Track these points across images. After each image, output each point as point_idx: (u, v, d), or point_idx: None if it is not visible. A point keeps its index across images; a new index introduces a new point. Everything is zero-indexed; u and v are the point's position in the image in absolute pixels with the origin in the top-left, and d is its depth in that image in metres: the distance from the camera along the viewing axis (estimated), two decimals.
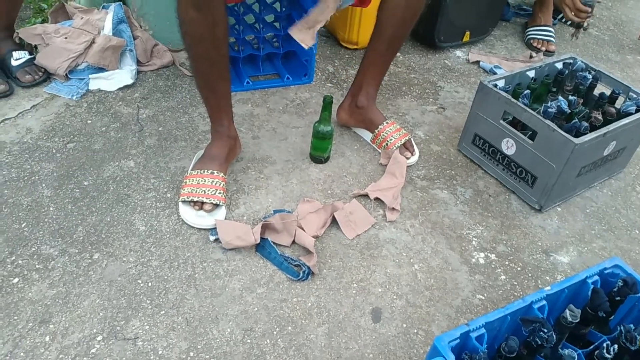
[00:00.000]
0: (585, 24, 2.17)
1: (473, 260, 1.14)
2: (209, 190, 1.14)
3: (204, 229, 1.12)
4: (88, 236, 1.08)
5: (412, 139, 1.40)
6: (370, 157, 1.38)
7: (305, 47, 1.22)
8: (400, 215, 1.22)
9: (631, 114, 1.27)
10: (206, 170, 1.16)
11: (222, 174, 1.17)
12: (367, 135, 1.42)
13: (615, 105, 1.36)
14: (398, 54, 1.83)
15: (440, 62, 1.83)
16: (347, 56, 1.79)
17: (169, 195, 1.20)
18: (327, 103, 1.22)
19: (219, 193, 1.14)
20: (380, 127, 1.38)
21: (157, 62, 1.60)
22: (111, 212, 1.14)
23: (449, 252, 1.15)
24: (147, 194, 1.20)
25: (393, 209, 1.22)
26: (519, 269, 1.13)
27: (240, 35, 1.52)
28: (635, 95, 1.34)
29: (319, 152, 1.31)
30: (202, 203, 1.13)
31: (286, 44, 1.62)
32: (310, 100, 1.55)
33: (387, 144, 1.36)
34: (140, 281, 1.01)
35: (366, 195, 1.25)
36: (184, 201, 1.14)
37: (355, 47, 1.80)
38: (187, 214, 1.13)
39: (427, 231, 1.19)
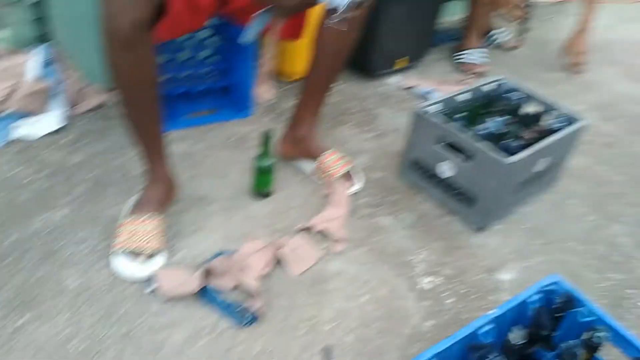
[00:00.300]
0: (512, 46, 2.28)
1: (420, 286, 1.14)
2: (144, 238, 1.09)
3: (141, 280, 1.06)
4: (12, 299, 1.00)
5: (353, 168, 1.41)
6: (314, 188, 1.37)
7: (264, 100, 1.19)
8: (346, 246, 1.21)
9: (557, 130, 1.33)
10: (141, 216, 1.12)
11: (158, 219, 1.13)
12: (309, 166, 1.41)
13: (544, 122, 1.43)
14: (335, 83, 1.85)
15: (377, 89, 1.87)
16: (286, 87, 1.79)
17: (101, 246, 1.14)
18: (267, 137, 1.21)
19: (156, 240, 1.10)
20: (321, 157, 1.38)
21: (88, 104, 1.54)
22: (38, 270, 1.07)
23: (396, 280, 1.15)
24: (78, 246, 1.13)
25: (338, 240, 1.21)
26: (464, 290, 1.14)
27: (174, 72, 1.50)
28: (560, 113, 1.41)
29: (261, 187, 1.29)
30: (138, 252, 1.08)
31: (222, 78, 1.61)
32: (250, 134, 1.53)
33: (329, 174, 1.36)
34: (71, 345, 0.94)
35: (311, 228, 1.23)
36: (118, 251, 1.09)
37: (294, 78, 1.81)
38: (122, 265, 1.08)
39: (374, 260, 1.19)
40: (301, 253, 1.15)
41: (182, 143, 1.47)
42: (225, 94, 1.64)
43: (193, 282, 1.04)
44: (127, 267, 1.07)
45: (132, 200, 1.20)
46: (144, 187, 1.17)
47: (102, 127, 1.49)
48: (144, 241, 1.08)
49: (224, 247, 1.16)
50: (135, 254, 1.08)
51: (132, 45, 0.92)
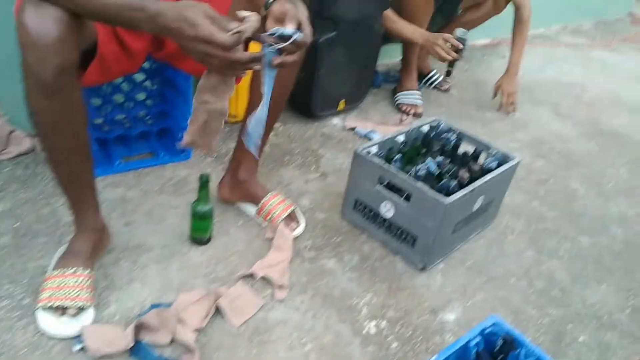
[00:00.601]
0: (448, 87, 2.37)
1: (364, 330, 1.12)
2: (72, 292, 1.02)
3: (68, 338, 0.99)
4: None
5: (297, 209, 1.39)
6: (256, 232, 1.34)
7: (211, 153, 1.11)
8: (290, 292, 1.18)
9: (493, 169, 1.37)
10: (69, 269, 1.04)
11: (87, 271, 1.06)
12: (251, 209, 1.39)
13: (479, 161, 1.47)
14: (278, 125, 1.85)
15: (319, 130, 1.88)
16: (226, 129, 1.77)
17: (26, 301, 1.05)
18: (204, 182, 1.17)
19: (85, 293, 1.03)
20: (263, 200, 1.35)
21: (15, 150, 1.45)
22: None
23: (340, 326, 1.12)
24: (0, 303, 1.04)
25: (281, 286, 1.17)
26: (409, 333, 1.13)
27: (108, 115, 1.45)
28: (494, 152, 1.46)
29: (199, 233, 1.24)
30: (65, 307, 1.00)
31: (160, 121, 1.57)
32: (188, 178, 1.49)
33: (272, 217, 1.33)
34: None
35: (253, 275, 1.19)
36: (43, 307, 1.01)
37: (233, 120, 1.79)
38: (47, 322, 1.00)
39: (318, 305, 1.16)
40: (241, 302, 1.11)
41: (117, 188, 1.40)
42: (163, 137, 1.59)
43: (125, 339, 0.97)
44: (53, 325, 0.99)
45: (61, 250, 1.13)
46: (72, 238, 1.10)
47: (29, 173, 1.40)
48: (71, 296, 1.01)
49: (160, 298, 1.10)
50: (62, 309, 1.00)
51: (57, 92, 0.88)
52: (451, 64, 1.96)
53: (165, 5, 0.84)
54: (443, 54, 1.88)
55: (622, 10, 4.63)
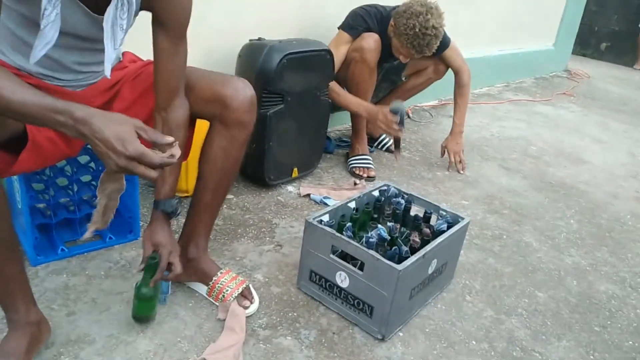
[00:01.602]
0: (402, 144, 2.43)
1: None
2: None
3: None
4: None
5: (250, 286, 1.35)
6: (207, 313, 1.29)
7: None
8: None
9: (444, 231, 1.38)
10: None
11: None
12: (202, 289, 1.34)
13: (431, 222, 1.48)
14: (231, 196, 1.83)
15: (274, 198, 1.87)
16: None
17: None
18: (152, 264, 1.13)
19: None
20: (215, 278, 1.31)
21: None
22: None
23: None
24: None
25: None
26: None
27: (51, 200, 1.40)
28: (444, 213, 1.48)
29: (141, 312, 1.20)
30: None
31: None
32: (137, 259, 1.44)
33: (223, 296, 1.29)
34: None
35: None
36: None
37: (185, 194, 1.77)
38: None
39: None
40: None
41: (59, 276, 1.34)
42: None
43: None
44: None
45: None
46: (4, 337, 1.03)
47: None
48: None
49: None
50: None
51: None
52: (396, 138, 2.03)
53: (94, 112, 0.83)
54: (386, 129, 1.93)
55: (559, 66, 4.96)
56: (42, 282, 1.31)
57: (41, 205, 1.45)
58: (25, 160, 1.03)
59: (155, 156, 0.85)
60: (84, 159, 1.47)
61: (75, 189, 1.45)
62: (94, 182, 1.51)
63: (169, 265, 1.16)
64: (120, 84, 1.23)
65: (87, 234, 1.12)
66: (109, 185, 1.08)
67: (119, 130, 0.82)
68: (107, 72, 1.04)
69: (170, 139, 0.88)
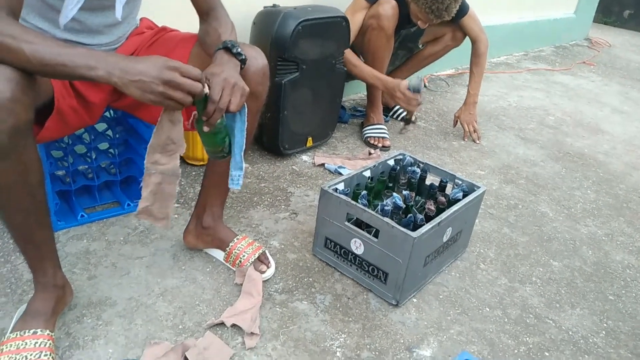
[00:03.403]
0: (414, 118, 2.41)
1: None
2: (32, 355, 0.97)
3: None
4: None
5: (266, 251, 1.37)
6: (225, 277, 1.31)
7: (167, 226, 1.08)
8: (261, 339, 1.15)
9: (459, 199, 1.38)
10: (28, 331, 1.00)
11: (47, 332, 1.01)
12: (219, 254, 1.36)
13: (446, 192, 1.48)
14: (246, 165, 1.84)
15: (289, 168, 1.88)
16: (193, 173, 1.75)
17: None
18: (202, 100, 0.94)
19: (45, 356, 0.98)
20: (231, 244, 1.33)
21: None
22: None
23: None
24: None
25: (252, 333, 1.14)
26: None
27: (70, 167, 1.42)
28: (460, 182, 1.47)
29: (207, 145, 1.05)
30: None
31: (124, 169, 1.54)
32: (154, 226, 1.45)
33: (240, 261, 1.31)
34: None
35: (223, 324, 1.16)
36: None
37: (201, 163, 1.78)
38: None
39: (290, 351, 1.13)
40: (211, 353, 1.07)
41: (80, 241, 1.37)
42: (127, 185, 1.57)
43: None
44: None
45: (21, 310, 1.08)
46: (32, 297, 1.06)
47: None
48: (30, 359, 0.96)
49: (125, 355, 1.06)
50: None
51: (10, 153, 0.85)
52: (408, 120, 2.02)
53: (122, 55, 0.88)
54: (404, 105, 1.92)
55: (580, 35, 4.83)
56: (64, 246, 1.34)
57: (60, 173, 1.48)
58: (50, 127, 1.05)
59: (193, 69, 0.88)
60: (101, 126, 1.48)
61: (93, 156, 1.47)
62: (111, 150, 1.53)
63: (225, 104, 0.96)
64: (137, 50, 1.23)
65: (138, 211, 1.04)
66: (158, 156, 0.98)
67: (150, 59, 0.87)
68: (118, 14, 1.07)
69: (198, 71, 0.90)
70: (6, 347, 0.98)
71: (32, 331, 1.00)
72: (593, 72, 3.80)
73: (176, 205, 1.57)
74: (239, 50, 1.04)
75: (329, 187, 1.35)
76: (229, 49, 1.03)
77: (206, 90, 0.92)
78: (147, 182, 1.00)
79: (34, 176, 0.93)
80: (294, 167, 1.90)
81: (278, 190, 1.73)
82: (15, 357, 0.97)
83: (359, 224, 1.33)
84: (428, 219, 1.29)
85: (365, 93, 2.24)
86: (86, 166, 1.48)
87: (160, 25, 1.33)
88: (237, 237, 1.34)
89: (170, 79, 0.86)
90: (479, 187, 1.44)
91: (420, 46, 2.31)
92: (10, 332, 1.02)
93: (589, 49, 4.53)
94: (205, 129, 0.96)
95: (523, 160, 2.20)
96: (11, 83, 0.82)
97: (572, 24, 4.54)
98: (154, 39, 1.25)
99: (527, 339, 1.25)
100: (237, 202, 1.63)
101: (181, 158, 1.82)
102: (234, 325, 1.16)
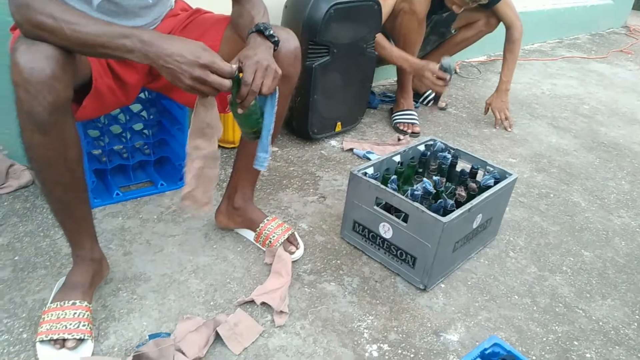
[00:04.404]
0: (445, 105, 2.39)
1: (366, 354, 1.10)
2: (71, 324, 1.01)
3: None
4: None
5: (295, 233, 1.39)
6: (255, 257, 1.34)
7: (209, 210, 1.12)
8: (290, 317, 1.17)
9: (490, 186, 1.37)
10: (67, 301, 1.04)
11: (85, 303, 1.05)
12: (249, 234, 1.38)
13: (477, 178, 1.47)
14: (276, 149, 1.86)
15: (317, 152, 1.89)
16: (224, 155, 1.78)
17: (25, 335, 1.05)
18: (236, 79, 0.96)
19: (84, 325, 1.02)
20: (261, 225, 1.35)
21: (14, 184, 1.47)
22: None
23: (341, 350, 1.10)
24: None
25: (281, 312, 1.16)
26: (412, 356, 1.11)
27: (106, 146, 1.46)
28: (491, 169, 1.46)
29: (242, 127, 1.07)
30: (64, 340, 1.00)
31: (158, 150, 1.58)
32: (198, 211, 1.49)
33: (270, 242, 1.33)
34: None
35: (252, 301, 1.19)
36: (42, 340, 1.00)
37: (232, 146, 1.80)
38: (47, 355, 0.99)
39: (318, 330, 1.15)
40: (241, 329, 1.10)
41: (115, 218, 1.41)
42: (160, 166, 1.60)
43: None
44: (52, 358, 0.99)
45: (60, 282, 1.13)
46: (71, 270, 1.10)
47: (28, 207, 1.41)
48: (70, 328, 1.01)
49: (159, 328, 1.09)
50: (61, 342, 1.00)
51: (50, 129, 0.88)
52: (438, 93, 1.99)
53: (159, 34, 0.89)
54: (431, 85, 1.90)
55: (618, 22, 4.68)
56: (100, 223, 1.38)
57: (97, 152, 1.52)
58: (88, 106, 1.08)
59: (226, 64, 0.89)
60: (136, 107, 1.51)
61: (128, 136, 1.50)
62: (145, 131, 1.57)
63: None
64: (172, 32, 1.25)
65: (182, 197, 1.05)
66: (199, 141, 1.01)
67: (185, 44, 0.88)
68: None
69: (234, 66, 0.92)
70: (47, 316, 1.03)
71: (71, 302, 1.04)
72: (630, 60, 3.69)
73: None
74: (272, 32, 1.04)
75: (359, 171, 1.35)
76: (262, 31, 1.04)
77: (237, 70, 0.93)
78: (189, 167, 1.02)
79: (73, 152, 0.96)
80: (322, 151, 1.90)
81: (307, 174, 1.74)
82: (56, 326, 1.01)
83: (388, 208, 1.33)
84: (458, 204, 1.29)
85: (395, 79, 2.22)
86: (121, 146, 1.51)
87: (194, 6, 1.34)
88: (267, 218, 1.36)
89: (198, 76, 0.88)
90: (510, 175, 1.42)
91: (452, 31, 2.28)
92: (51, 303, 1.06)
93: (626, 37, 4.39)
94: (239, 110, 0.97)
95: (555, 149, 2.16)
96: (51, 61, 0.84)
97: (610, 10, 4.40)
98: (188, 21, 1.27)
99: (556, 327, 1.24)
100: (266, 184, 1.65)
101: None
102: (263, 304, 1.18)
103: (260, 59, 0.96)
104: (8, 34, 1.19)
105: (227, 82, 0.91)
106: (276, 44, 1.05)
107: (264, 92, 0.96)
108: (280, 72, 0.99)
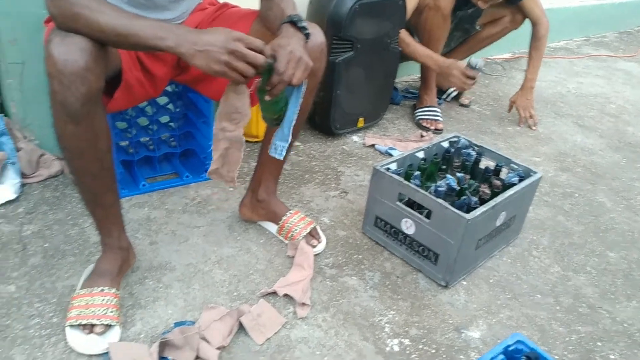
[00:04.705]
0: (468, 102, 2.37)
1: (387, 348, 1.11)
2: (99, 310, 1.04)
3: (96, 355, 1.01)
4: None
5: (317, 227, 1.40)
6: (277, 250, 1.35)
7: (233, 185, 1.16)
8: (312, 310, 1.18)
9: (515, 184, 1.36)
10: (96, 288, 1.07)
11: (113, 290, 1.08)
12: (272, 227, 1.40)
13: (501, 176, 1.46)
14: (298, 143, 1.87)
15: (339, 147, 1.89)
16: (248, 149, 1.79)
17: (55, 320, 1.08)
18: (268, 67, 0.95)
19: (111, 312, 1.05)
20: (284, 218, 1.36)
21: (44, 173, 1.51)
22: None
23: (363, 344, 1.11)
24: (30, 321, 1.07)
25: (303, 304, 1.18)
26: (433, 351, 1.12)
27: (133, 138, 1.49)
28: (516, 166, 1.45)
29: (265, 112, 1.07)
30: (92, 325, 1.03)
31: (183, 142, 1.60)
32: (211, 197, 1.52)
33: (292, 235, 1.34)
34: None
35: (275, 293, 1.20)
36: (71, 325, 1.03)
37: (255, 140, 1.82)
38: (76, 339, 1.02)
39: (340, 323, 1.16)
40: (264, 320, 1.11)
41: (141, 209, 1.44)
42: (186, 158, 1.63)
43: (150, 357, 0.98)
44: (81, 342, 1.02)
45: (89, 270, 1.16)
46: (99, 258, 1.13)
47: (58, 195, 1.45)
48: (98, 314, 1.03)
49: (183, 317, 1.12)
50: (89, 327, 1.03)
51: (83, 119, 0.91)
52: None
53: (189, 27, 0.92)
54: (459, 84, 1.89)
55: None
56: (126, 213, 1.41)
57: (124, 143, 1.54)
58: (118, 98, 1.10)
59: (257, 40, 0.91)
60: (163, 100, 1.54)
61: (155, 128, 1.53)
62: (171, 123, 1.59)
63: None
64: (200, 26, 1.27)
65: (209, 172, 1.11)
66: (226, 123, 1.03)
67: (217, 30, 0.90)
68: None
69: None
70: (76, 302, 1.06)
71: (99, 289, 1.07)
72: None
73: None
74: (304, 24, 1.05)
75: (382, 166, 1.35)
76: (294, 22, 1.04)
77: (270, 58, 0.94)
78: (216, 146, 1.06)
79: (103, 142, 0.98)
80: (344, 146, 1.91)
81: (329, 169, 1.75)
82: (85, 312, 1.04)
83: (410, 204, 1.33)
84: (482, 202, 1.28)
85: (419, 75, 2.21)
86: (148, 138, 1.54)
87: (221, 1, 1.36)
88: (290, 211, 1.38)
89: (235, 49, 0.89)
90: (535, 173, 1.41)
91: (477, 28, 2.26)
92: (80, 289, 1.09)
93: None
94: (267, 98, 0.98)
95: (581, 148, 2.13)
96: (85, 53, 0.87)
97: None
98: (215, 15, 1.28)
99: (579, 327, 1.23)
100: (289, 178, 1.67)
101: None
102: (285, 295, 1.19)
103: (294, 50, 0.97)
104: (41, 27, 1.23)
105: (261, 57, 0.92)
106: (307, 36, 1.06)
107: (293, 83, 0.97)
108: (311, 64, 1.00)
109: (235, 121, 1.02)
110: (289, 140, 1.08)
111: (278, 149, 1.10)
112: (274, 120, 1.08)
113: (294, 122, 1.06)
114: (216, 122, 1.03)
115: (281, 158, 1.11)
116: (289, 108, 1.05)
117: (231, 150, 1.07)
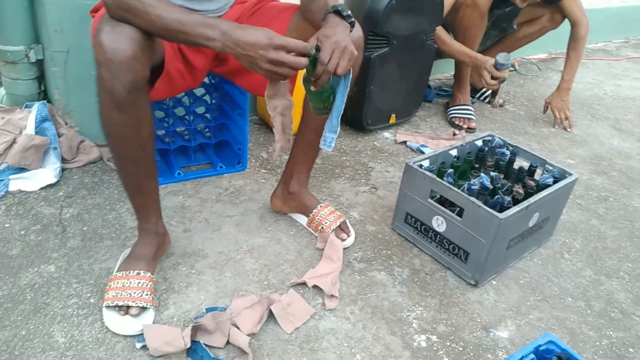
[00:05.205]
0: (502, 102, 2.34)
1: (415, 344, 1.11)
2: (135, 293, 1.07)
3: (131, 336, 1.04)
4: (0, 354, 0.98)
5: (347, 221, 1.41)
6: (307, 242, 1.37)
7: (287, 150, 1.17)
8: (340, 302, 1.19)
9: (549, 185, 1.34)
10: (132, 271, 1.10)
11: (149, 274, 1.11)
12: (302, 219, 1.42)
13: (535, 177, 1.44)
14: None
15: (370, 143, 1.90)
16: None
17: (92, 300, 1.12)
18: (313, 57, 0.96)
19: (146, 295, 1.08)
20: (314, 210, 1.38)
21: (84, 159, 1.55)
22: (27, 325, 1.04)
23: (390, 338, 1.12)
24: (69, 300, 1.11)
25: (332, 296, 1.19)
26: (460, 349, 1.12)
27: (170, 127, 1.52)
28: (551, 168, 1.43)
29: (312, 101, 1.07)
30: (128, 307, 1.06)
31: (218, 133, 1.63)
32: (244, 188, 1.54)
33: (322, 228, 1.36)
34: None
35: (304, 284, 1.22)
36: (108, 306, 1.07)
37: None
38: (112, 320, 1.06)
39: (368, 317, 1.16)
40: (293, 310, 1.13)
41: (176, 196, 1.47)
42: (221, 149, 1.66)
43: (182, 340, 1.01)
44: (117, 323, 1.05)
45: (125, 253, 1.19)
46: (136, 242, 1.17)
47: (97, 181, 1.50)
48: (134, 296, 1.07)
49: (215, 303, 1.14)
50: (125, 309, 1.06)
51: (128, 106, 0.94)
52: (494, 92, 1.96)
53: (236, 24, 0.92)
54: (484, 84, 1.86)
55: None
56: (162, 200, 1.42)
57: (161, 132, 1.58)
58: (159, 88, 1.13)
59: (300, 41, 0.91)
60: (199, 91, 1.57)
61: (191, 119, 1.56)
62: (207, 115, 1.62)
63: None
64: (239, 19, 1.29)
65: (276, 154, 1.13)
66: (277, 102, 1.04)
67: (259, 31, 0.91)
68: None
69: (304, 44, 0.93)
70: (113, 284, 1.09)
71: (135, 272, 1.10)
72: None
73: (263, 171, 1.64)
74: (349, 13, 1.05)
75: (414, 162, 1.35)
76: (339, 12, 1.05)
77: (314, 48, 0.94)
78: (275, 124, 1.06)
79: (146, 130, 1.01)
80: (375, 142, 1.91)
81: (359, 165, 1.76)
82: (121, 294, 1.07)
83: (441, 202, 1.33)
84: (515, 202, 1.27)
85: (453, 73, 2.19)
86: (184, 128, 1.58)
87: None
88: (320, 204, 1.39)
89: (275, 59, 0.90)
90: (570, 175, 1.39)
91: (514, 27, 2.23)
92: (117, 272, 1.13)
93: None
94: (312, 88, 0.99)
95: (617, 152, 2.08)
96: (133, 42, 0.89)
97: None
98: (255, 8, 1.30)
99: (611, 332, 1.21)
100: (319, 172, 1.68)
101: (268, 127, 1.89)
102: (315, 287, 1.21)
103: (339, 39, 0.97)
104: (86, 17, 1.27)
105: (304, 60, 0.93)
106: (352, 24, 1.06)
107: (338, 73, 0.97)
108: (356, 53, 1.00)
109: (282, 94, 1.03)
110: (338, 131, 1.09)
111: (327, 140, 1.10)
112: (322, 109, 1.08)
113: (342, 112, 1.06)
114: (268, 105, 1.04)
115: (330, 150, 1.12)
116: (337, 98, 1.06)
117: (285, 119, 1.07)
